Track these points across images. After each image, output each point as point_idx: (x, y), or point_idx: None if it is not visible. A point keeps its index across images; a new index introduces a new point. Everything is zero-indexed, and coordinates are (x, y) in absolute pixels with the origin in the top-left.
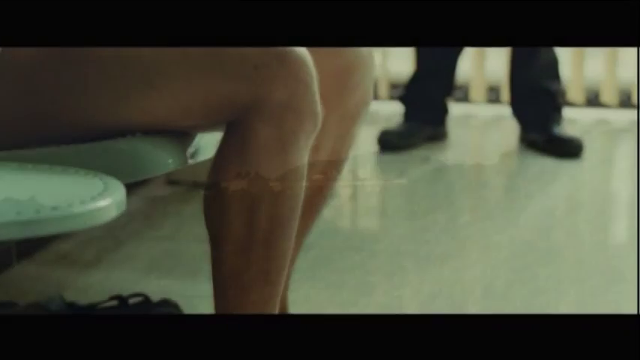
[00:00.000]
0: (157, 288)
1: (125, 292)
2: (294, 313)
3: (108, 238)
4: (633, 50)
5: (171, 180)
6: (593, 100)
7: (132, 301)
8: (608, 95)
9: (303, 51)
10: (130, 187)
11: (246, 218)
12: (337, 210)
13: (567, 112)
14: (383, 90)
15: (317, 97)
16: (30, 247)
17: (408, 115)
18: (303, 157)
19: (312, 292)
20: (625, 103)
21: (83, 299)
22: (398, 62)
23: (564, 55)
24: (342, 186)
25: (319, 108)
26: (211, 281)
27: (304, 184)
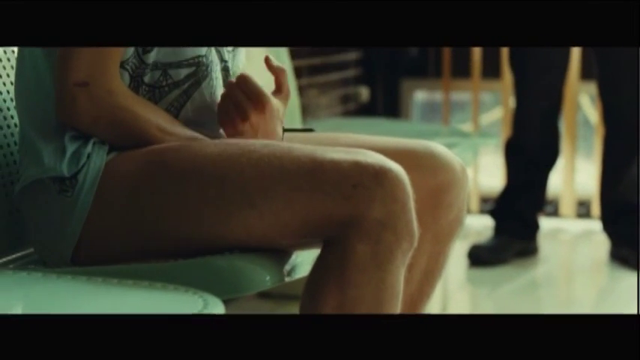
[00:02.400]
0: None
1: None
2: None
3: None
4: None
5: (262, 293)
6: None
7: None
8: None
9: (400, 170)
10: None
11: None
12: None
13: None
14: (474, 204)
15: (414, 215)
16: None
17: (498, 230)
18: (399, 275)
19: None
20: None
21: None
22: (488, 176)
23: None
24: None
25: (416, 227)
26: None
27: (400, 301)
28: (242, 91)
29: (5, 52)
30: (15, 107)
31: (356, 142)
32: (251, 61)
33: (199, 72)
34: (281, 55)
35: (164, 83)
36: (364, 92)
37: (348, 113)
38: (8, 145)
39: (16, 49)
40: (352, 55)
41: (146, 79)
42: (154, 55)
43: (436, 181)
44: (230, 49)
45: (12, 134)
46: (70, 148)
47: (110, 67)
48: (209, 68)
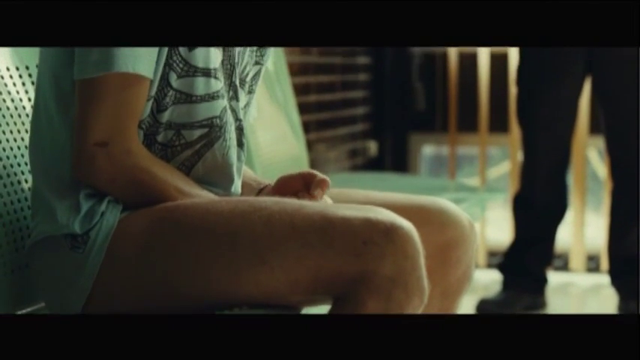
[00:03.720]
0: None
1: None
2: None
3: None
4: None
5: None
6: None
7: None
8: None
9: (410, 227)
10: None
11: None
12: None
13: None
14: (482, 258)
15: (424, 272)
16: None
17: (506, 284)
18: None
19: None
20: None
21: None
22: (496, 230)
23: None
24: None
25: (426, 283)
26: None
27: None
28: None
29: (16, 108)
30: (26, 163)
31: (365, 199)
32: (261, 113)
33: (212, 133)
34: (290, 110)
35: (177, 143)
36: (372, 146)
37: (356, 168)
38: (19, 200)
39: (27, 105)
40: (360, 110)
41: (159, 138)
42: (168, 114)
43: (444, 238)
44: (242, 105)
45: (22, 190)
46: (85, 205)
47: (129, 128)
48: (223, 129)
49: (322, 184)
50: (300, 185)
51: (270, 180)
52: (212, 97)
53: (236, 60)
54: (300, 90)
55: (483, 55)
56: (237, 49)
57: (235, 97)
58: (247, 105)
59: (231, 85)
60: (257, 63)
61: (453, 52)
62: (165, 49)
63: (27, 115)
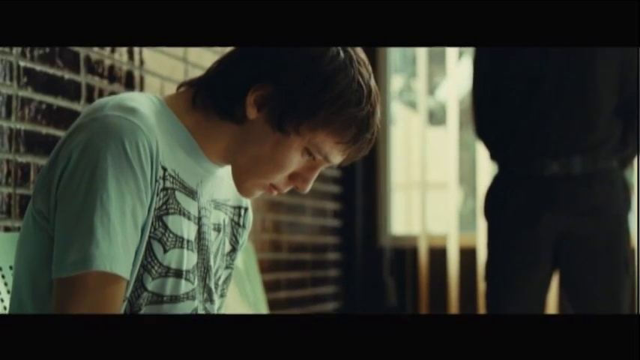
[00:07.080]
0: None
1: None
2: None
3: None
4: None
5: None
6: None
7: None
8: None
9: None
10: None
11: None
12: None
13: None
14: None
15: None
16: None
17: None
18: None
19: None
20: None
21: None
22: None
23: None
24: None
25: None
26: None
27: None
28: None
29: None
30: None
31: None
32: (231, 313)
33: None
34: (260, 308)
35: None
36: None
37: None
38: None
39: None
40: (330, 306)
41: None
42: None
43: None
44: (217, 307)
45: None
46: None
47: None
48: None
49: None
50: None
51: None
52: (182, 298)
53: (210, 263)
54: (270, 286)
55: (453, 249)
56: (212, 252)
57: (210, 299)
58: (219, 308)
59: (204, 287)
60: (227, 267)
61: (422, 247)
62: (142, 251)
63: None
